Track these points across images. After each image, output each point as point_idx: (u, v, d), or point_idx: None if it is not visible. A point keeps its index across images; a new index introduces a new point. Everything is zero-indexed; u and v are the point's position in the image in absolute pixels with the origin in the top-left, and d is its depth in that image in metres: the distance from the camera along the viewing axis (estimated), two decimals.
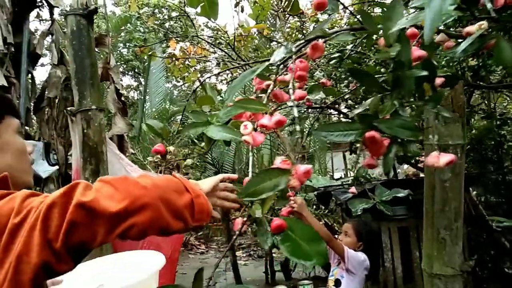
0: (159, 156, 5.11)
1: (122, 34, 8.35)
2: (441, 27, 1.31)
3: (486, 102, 3.45)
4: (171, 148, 5.11)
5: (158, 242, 1.51)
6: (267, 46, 5.34)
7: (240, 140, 1.04)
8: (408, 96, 1.03)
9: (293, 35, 4.98)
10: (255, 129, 1.02)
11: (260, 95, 1.17)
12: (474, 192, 3.71)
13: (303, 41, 1.12)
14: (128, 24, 8.06)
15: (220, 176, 1.03)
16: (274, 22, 6.88)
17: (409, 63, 0.97)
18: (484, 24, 0.85)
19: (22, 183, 0.90)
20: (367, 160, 1.06)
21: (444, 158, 0.97)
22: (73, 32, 1.47)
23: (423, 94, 1.01)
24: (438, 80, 1.04)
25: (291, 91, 0.99)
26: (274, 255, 5.37)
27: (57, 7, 2.97)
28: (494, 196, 3.53)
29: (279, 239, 1.07)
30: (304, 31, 4.92)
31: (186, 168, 5.59)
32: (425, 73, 0.95)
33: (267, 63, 1.06)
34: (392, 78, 0.98)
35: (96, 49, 2.60)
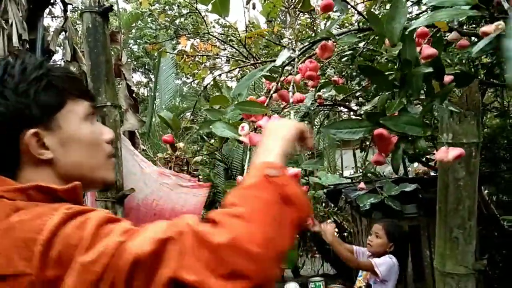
0: (169, 152, 5.16)
1: (133, 31, 8.40)
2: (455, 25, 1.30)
3: (499, 100, 3.41)
4: (181, 145, 5.14)
5: None
6: (278, 42, 5.34)
7: (239, 139, 1.07)
8: (416, 93, 1.04)
9: (304, 32, 4.97)
10: (255, 129, 1.05)
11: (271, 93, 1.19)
12: (486, 191, 3.68)
13: (307, 43, 1.14)
14: (139, 21, 8.11)
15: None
16: (285, 18, 6.87)
17: (416, 61, 0.97)
18: (501, 24, 0.85)
19: (98, 181, 0.74)
20: (375, 156, 1.06)
21: (452, 153, 0.97)
22: (89, 29, 1.49)
23: (432, 92, 1.00)
24: (447, 78, 1.03)
25: (290, 93, 1.01)
26: None
27: (71, 4, 3.00)
28: (507, 195, 3.49)
29: None
30: (315, 28, 4.90)
31: (196, 164, 5.62)
32: (430, 69, 0.95)
33: (272, 64, 1.08)
34: (400, 76, 0.99)
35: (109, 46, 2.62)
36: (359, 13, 1.38)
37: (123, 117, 3.63)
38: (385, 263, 2.05)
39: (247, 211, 0.56)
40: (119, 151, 1.46)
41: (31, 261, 0.52)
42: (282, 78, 1.20)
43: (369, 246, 2.21)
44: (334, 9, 1.15)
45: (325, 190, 4.66)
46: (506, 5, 0.89)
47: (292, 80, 1.04)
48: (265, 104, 1.06)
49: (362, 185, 2.80)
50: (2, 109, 0.62)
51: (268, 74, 1.18)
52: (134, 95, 3.84)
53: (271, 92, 1.08)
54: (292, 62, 1.11)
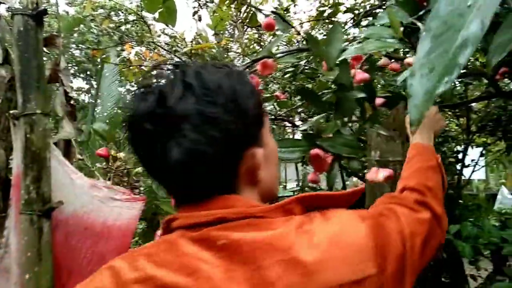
0: (108, 163, 4.96)
1: (75, 35, 8.08)
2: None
3: None
4: (121, 155, 4.97)
5: (102, 252, 1.46)
6: (225, 56, 5.37)
7: None
8: (350, 116, 1.10)
9: (251, 46, 5.05)
10: None
11: None
12: None
13: (249, 60, 1.17)
14: (82, 25, 7.81)
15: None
16: (233, 32, 6.94)
17: (350, 85, 1.02)
18: None
19: (275, 196, 0.71)
20: (311, 176, 1.11)
21: (382, 173, 1.04)
22: (20, 33, 1.41)
23: (364, 114, 1.06)
24: (379, 100, 1.10)
25: None
26: None
27: (3, 3, 2.83)
28: None
29: None
30: (262, 43, 5.00)
31: (137, 175, 5.46)
32: (363, 95, 1.01)
33: None
34: (335, 99, 1.04)
35: (46, 50, 2.49)
36: (299, 34, 1.43)
37: (59, 125, 3.46)
38: None
39: (438, 191, 0.82)
40: (48, 161, 1.39)
41: (372, 262, 0.56)
42: None
43: None
44: (276, 28, 1.19)
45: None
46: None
47: None
48: None
49: None
50: (232, 126, 0.57)
51: None
52: (72, 102, 3.67)
53: None
54: None
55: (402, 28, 0.95)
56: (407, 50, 1.91)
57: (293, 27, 1.31)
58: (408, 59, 0.96)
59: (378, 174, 1.06)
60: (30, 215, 1.36)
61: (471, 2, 0.29)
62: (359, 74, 1.07)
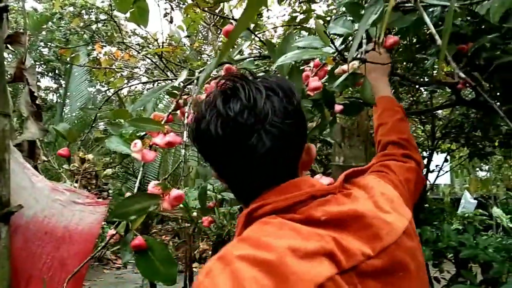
0: (75, 164, 4.82)
1: (44, 32, 7.84)
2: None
3: None
4: (90, 156, 4.85)
5: (63, 257, 1.42)
6: (198, 58, 5.34)
7: (132, 155, 1.07)
8: None
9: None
10: (150, 146, 1.06)
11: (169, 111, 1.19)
12: None
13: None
14: (50, 23, 7.59)
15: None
16: (206, 35, 6.92)
17: (302, 93, 1.05)
18: (355, 64, 0.97)
19: None
20: None
21: (324, 181, 1.06)
22: None
23: (323, 120, 1.08)
24: (338, 107, 1.12)
25: (186, 114, 1.05)
26: (194, 269, 5.30)
27: None
28: None
29: (137, 256, 1.13)
30: (235, 46, 4.99)
31: (106, 178, 5.34)
32: (310, 104, 1.04)
33: (173, 82, 1.09)
34: None
35: (11, 48, 2.41)
36: (260, 40, 1.45)
37: (23, 126, 3.35)
38: None
39: (412, 139, 1.03)
40: (6, 163, 1.34)
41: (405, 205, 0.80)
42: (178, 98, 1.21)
43: None
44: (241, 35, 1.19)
45: (239, 206, 4.70)
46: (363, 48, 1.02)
47: (190, 100, 1.06)
48: (163, 121, 1.06)
49: None
50: (303, 120, 0.71)
51: (172, 91, 1.18)
52: (37, 102, 3.56)
53: (170, 110, 1.09)
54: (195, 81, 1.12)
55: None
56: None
57: (254, 34, 1.32)
58: (343, 66, 1.01)
59: (321, 181, 1.09)
60: None
61: None
62: (313, 82, 1.09)
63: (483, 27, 1.44)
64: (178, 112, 1.22)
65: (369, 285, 0.61)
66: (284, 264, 0.54)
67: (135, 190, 1.33)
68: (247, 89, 0.65)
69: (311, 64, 1.12)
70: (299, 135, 0.69)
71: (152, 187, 1.06)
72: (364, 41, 0.97)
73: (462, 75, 0.71)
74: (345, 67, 0.98)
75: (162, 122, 1.07)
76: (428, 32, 2.07)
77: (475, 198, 6.52)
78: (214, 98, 0.67)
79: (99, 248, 1.24)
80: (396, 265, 0.64)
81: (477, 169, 8.33)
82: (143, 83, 4.98)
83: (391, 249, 0.64)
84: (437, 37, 0.76)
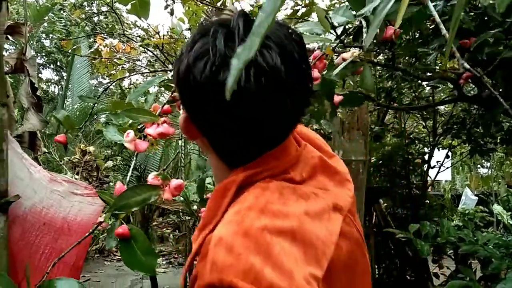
0: (77, 156, 4.82)
1: (45, 24, 7.82)
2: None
3: (398, 121, 3.74)
4: (91, 149, 4.85)
5: (62, 248, 1.42)
6: None
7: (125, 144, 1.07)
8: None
9: None
10: (145, 136, 1.06)
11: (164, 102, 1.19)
12: (385, 205, 3.99)
13: None
14: (51, 14, 7.56)
15: None
16: None
17: None
18: (356, 52, 0.95)
19: None
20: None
21: None
22: None
23: (320, 112, 1.08)
24: (337, 98, 1.11)
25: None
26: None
27: None
28: (401, 208, 3.82)
29: (121, 244, 1.13)
30: None
31: (107, 170, 5.35)
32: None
33: (168, 74, 1.08)
34: None
35: (12, 38, 2.40)
36: None
37: (24, 117, 3.35)
38: None
39: None
40: (4, 153, 1.34)
41: None
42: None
43: None
44: None
45: None
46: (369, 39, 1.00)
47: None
48: (158, 112, 1.06)
49: None
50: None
51: (169, 84, 1.18)
52: (38, 93, 3.56)
53: (165, 101, 1.09)
54: None
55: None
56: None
57: None
58: (344, 54, 1.00)
59: None
60: None
61: None
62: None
63: (486, 20, 1.43)
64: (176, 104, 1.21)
65: (356, 221, 0.67)
66: (306, 229, 0.52)
67: (127, 180, 1.32)
68: (277, 36, 0.56)
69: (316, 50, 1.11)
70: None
71: (152, 178, 1.06)
72: (364, 30, 0.95)
73: (467, 66, 0.70)
74: (345, 55, 0.96)
75: (157, 113, 1.07)
76: (430, 27, 2.05)
77: (476, 195, 6.51)
78: (241, 40, 0.54)
79: (86, 235, 1.24)
80: (355, 199, 0.70)
81: (479, 165, 8.32)
82: (142, 73, 4.95)
83: None
84: (443, 30, 0.74)
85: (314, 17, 3.21)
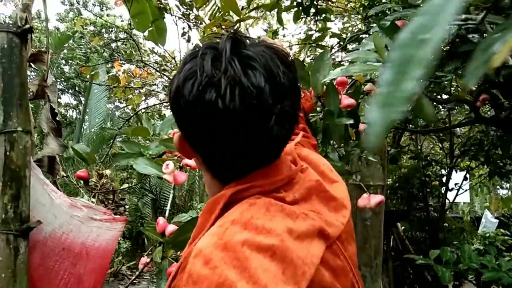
0: (93, 180, 4.88)
1: (65, 51, 8.07)
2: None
3: (414, 143, 3.71)
4: (107, 172, 4.92)
5: (80, 274, 1.43)
6: None
7: (163, 177, 1.06)
8: (339, 142, 1.10)
9: None
10: (180, 167, 1.05)
11: None
12: (403, 228, 3.92)
13: None
14: (71, 41, 7.81)
15: None
16: None
17: (338, 111, 1.03)
18: None
19: None
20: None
21: (374, 200, 1.05)
22: (4, 50, 1.40)
23: (348, 139, 1.07)
24: (362, 126, 1.11)
25: None
26: None
27: None
28: (420, 231, 3.75)
29: None
30: None
31: (123, 193, 5.40)
32: (351, 121, 1.02)
33: None
34: (323, 126, 1.04)
35: (34, 66, 2.48)
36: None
37: (44, 141, 3.42)
38: None
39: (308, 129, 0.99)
40: (27, 180, 1.37)
41: None
42: None
43: None
44: None
45: None
46: None
47: None
48: None
49: None
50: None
51: None
52: (58, 118, 3.64)
53: None
54: None
55: (386, 53, 0.98)
56: None
57: None
58: (368, 86, 0.99)
59: (370, 200, 1.07)
60: (6, 235, 1.32)
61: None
62: (346, 100, 1.08)
63: None
64: None
65: (348, 249, 0.64)
66: (287, 247, 0.51)
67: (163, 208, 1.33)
68: (263, 58, 0.57)
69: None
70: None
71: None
72: None
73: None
74: (370, 86, 0.96)
75: None
76: (445, 49, 2.06)
77: (496, 217, 6.33)
78: (227, 61, 0.55)
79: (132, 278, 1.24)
80: (350, 227, 0.69)
81: (498, 187, 8.13)
82: (161, 103, 5.04)
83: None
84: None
85: (327, 41, 3.25)
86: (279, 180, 0.62)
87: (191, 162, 1.02)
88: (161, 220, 1.05)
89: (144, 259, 1.14)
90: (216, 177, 0.66)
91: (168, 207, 1.23)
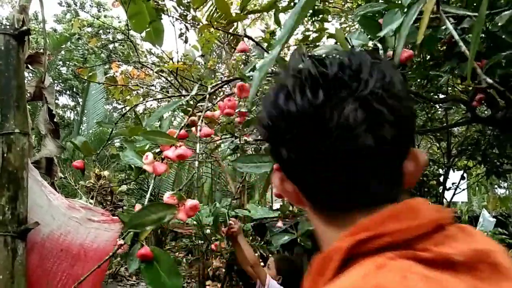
0: (91, 181, 4.88)
1: (62, 52, 8.06)
2: None
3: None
4: (105, 173, 4.91)
5: (78, 275, 1.43)
6: (212, 76, 5.41)
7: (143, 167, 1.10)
8: None
9: (238, 68, 5.10)
10: (162, 159, 1.09)
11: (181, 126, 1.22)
12: None
13: (220, 82, 1.21)
14: (69, 43, 7.80)
15: None
16: (221, 53, 7.01)
17: None
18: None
19: None
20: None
21: None
22: (1, 52, 1.41)
23: None
24: None
25: (198, 128, 1.07)
26: (207, 287, 5.26)
27: None
28: None
29: (143, 266, 1.12)
30: (248, 62, 5.05)
31: (121, 194, 5.39)
32: None
33: (185, 98, 1.12)
34: None
35: (31, 67, 2.48)
36: (276, 62, 1.46)
37: (42, 143, 3.42)
38: (276, 285, 2.18)
39: None
40: (25, 181, 1.37)
41: None
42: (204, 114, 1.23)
43: None
44: (252, 54, 1.22)
45: (252, 224, 4.68)
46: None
47: (201, 116, 1.09)
48: (176, 135, 1.09)
49: (280, 223, 2.87)
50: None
51: (186, 108, 1.21)
52: (55, 120, 3.64)
53: (183, 124, 1.12)
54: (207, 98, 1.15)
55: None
56: None
57: (267, 51, 1.34)
58: None
59: None
60: (4, 236, 1.33)
61: None
62: None
63: (496, 42, 1.44)
64: (193, 129, 1.24)
65: None
66: None
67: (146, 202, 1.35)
68: (373, 67, 0.48)
69: None
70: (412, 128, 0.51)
71: (168, 197, 1.07)
72: (381, 51, 0.97)
73: (490, 80, 0.70)
74: None
75: (175, 136, 1.10)
76: (441, 49, 2.07)
77: (494, 216, 6.35)
78: (337, 76, 0.47)
79: (106, 258, 1.25)
80: None
81: (495, 186, 8.16)
82: (157, 99, 5.05)
83: None
84: (463, 47, 0.74)
85: (324, 41, 3.26)
86: (419, 226, 0.44)
87: (171, 153, 1.06)
88: (137, 206, 1.11)
89: (119, 241, 1.18)
90: (324, 219, 0.52)
91: (148, 196, 1.28)
